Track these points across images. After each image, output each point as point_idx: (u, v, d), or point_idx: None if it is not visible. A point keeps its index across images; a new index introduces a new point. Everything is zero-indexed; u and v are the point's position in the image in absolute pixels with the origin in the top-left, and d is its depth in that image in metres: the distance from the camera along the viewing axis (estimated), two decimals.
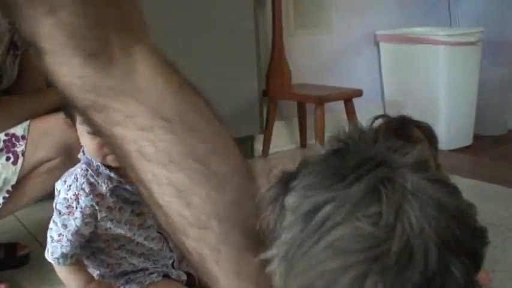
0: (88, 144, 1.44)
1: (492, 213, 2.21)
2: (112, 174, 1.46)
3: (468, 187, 2.53)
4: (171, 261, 1.60)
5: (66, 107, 1.49)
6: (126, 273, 1.56)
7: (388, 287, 0.62)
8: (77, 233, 1.45)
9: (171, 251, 1.59)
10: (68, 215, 1.45)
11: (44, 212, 1.55)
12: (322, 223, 0.64)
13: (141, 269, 1.57)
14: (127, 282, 1.55)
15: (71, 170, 1.51)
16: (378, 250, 0.62)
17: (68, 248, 1.46)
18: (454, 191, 0.67)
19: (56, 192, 1.50)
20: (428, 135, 1.47)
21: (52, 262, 1.49)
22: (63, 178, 1.49)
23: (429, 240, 0.62)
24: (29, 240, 2.10)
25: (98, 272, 1.57)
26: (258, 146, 3.25)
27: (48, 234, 1.49)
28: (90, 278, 1.52)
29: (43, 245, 2.03)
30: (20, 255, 1.95)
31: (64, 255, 1.46)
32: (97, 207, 1.44)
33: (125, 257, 1.54)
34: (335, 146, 0.70)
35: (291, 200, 0.69)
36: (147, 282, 1.54)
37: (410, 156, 0.67)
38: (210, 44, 2.88)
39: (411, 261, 0.62)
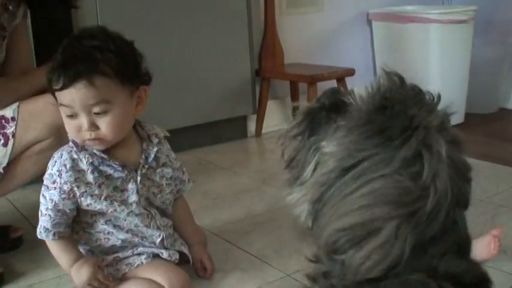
0: (66, 127, 1.49)
1: (482, 190, 2.22)
2: (95, 151, 1.48)
3: None
4: (159, 239, 1.61)
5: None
6: (115, 250, 1.57)
7: (413, 239, 0.73)
8: (56, 208, 1.48)
9: (158, 229, 1.61)
10: (54, 189, 1.48)
11: (36, 194, 1.56)
12: (365, 173, 0.74)
13: (130, 246, 1.58)
14: (116, 262, 1.56)
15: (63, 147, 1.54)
16: (414, 206, 0.72)
17: (48, 224, 1.49)
18: (463, 146, 0.80)
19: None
20: None
21: (38, 233, 1.53)
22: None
23: (451, 201, 0.75)
24: (22, 222, 2.11)
25: (88, 247, 1.58)
26: (251, 126, 3.25)
27: (39, 209, 1.53)
28: (78, 256, 1.53)
29: (36, 227, 2.04)
30: (13, 238, 1.96)
31: (45, 229, 1.50)
32: (75, 183, 1.46)
33: (112, 232, 1.56)
34: (377, 103, 0.79)
35: (333, 148, 0.79)
36: (135, 264, 1.55)
37: (435, 117, 0.78)
38: (203, 24, 2.87)
39: (436, 219, 0.74)
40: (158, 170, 1.61)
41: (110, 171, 1.51)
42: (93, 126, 1.46)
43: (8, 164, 1.74)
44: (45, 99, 1.70)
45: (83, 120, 1.45)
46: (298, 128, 0.86)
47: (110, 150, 1.52)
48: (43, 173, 1.55)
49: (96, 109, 1.45)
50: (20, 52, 1.89)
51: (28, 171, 1.79)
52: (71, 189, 1.48)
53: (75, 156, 1.49)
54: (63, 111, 1.47)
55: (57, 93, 1.46)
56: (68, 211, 1.50)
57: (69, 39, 1.50)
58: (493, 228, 1.67)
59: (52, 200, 1.48)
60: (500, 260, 1.65)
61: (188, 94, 2.88)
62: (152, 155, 1.58)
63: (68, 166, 1.47)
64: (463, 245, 0.80)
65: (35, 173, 1.78)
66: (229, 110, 3.06)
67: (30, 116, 1.73)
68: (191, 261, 1.69)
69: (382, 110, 0.77)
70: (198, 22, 2.86)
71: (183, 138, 2.94)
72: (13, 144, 1.72)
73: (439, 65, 3.22)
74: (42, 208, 1.51)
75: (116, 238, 1.57)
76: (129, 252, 1.58)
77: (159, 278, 1.53)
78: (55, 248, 1.54)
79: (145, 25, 2.66)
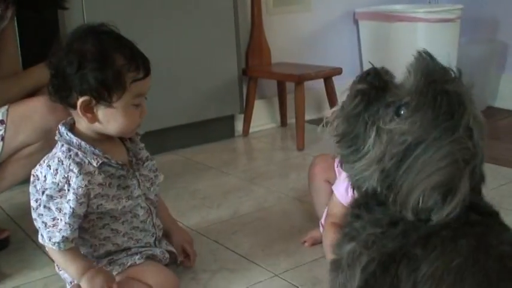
0: (130, 118, 1.49)
1: None
2: (97, 151, 1.47)
3: None
4: (153, 239, 1.61)
5: (56, 89, 1.48)
6: (109, 253, 1.56)
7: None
8: (73, 214, 1.44)
9: (153, 226, 1.61)
10: (61, 198, 1.44)
11: (23, 195, 1.54)
12: (439, 141, 0.91)
13: (124, 249, 1.57)
14: (109, 264, 1.55)
15: (50, 154, 1.50)
16: (473, 163, 0.93)
17: (68, 232, 1.44)
18: None
19: (33, 178, 1.49)
20: None
21: (51, 247, 1.46)
22: (43, 163, 1.48)
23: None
24: (9, 224, 2.09)
25: (81, 252, 1.56)
26: (239, 126, 3.24)
27: (40, 220, 1.47)
28: (89, 264, 1.50)
29: (22, 228, 2.02)
30: (0, 239, 1.94)
31: (65, 239, 1.44)
32: (89, 186, 1.44)
33: (109, 237, 1.54)
34: (427, 83, 0.94)
35: (403, 126, 0.93)
36: (128, 264, 1.54)
37: (462, 87, 0.97)
38: (189, 24, 2.86)
39: (478, 172, 0.96)
40: (145, 165, 1.62)
41: (112, 170, 1.50)
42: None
43: None
44: (35, 102, 1.68)
45: (143, 107, 1.53)
46: (357, 107, 0.98)
47: (108, 148, 1.51)
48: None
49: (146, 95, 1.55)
50: (8, 54, 1.88)
51: (16, 174, 1.78)
52: (86, 192, 1.45)
53: (77, 159, 1.46)
54: (136, 102, 1.50)
55: (136, 84, 1.48)
56: (82, 215, 1.48)
57: (106, 41, 1.48)
58: None
59: (70, 207, 1.44)
60: None
61: (175, 94, 2.86)
62: (141, 152, 1.61)
63: (76, 171, 1.44)
64: (480, 189, 1.01)
65: (23, 176, 1.76)
66: (217, 110, 3.05)
67: (19, 119, 1.72)
68: (178, 260, 1.70)
69: (434, 90, 0.93)
70: (184, 22, 2.84)
71: (170, 138, 2.93)
72: (2, 147, 1.71)
73: None
74: (46, 220, 1.45)
75: (112, 244, 1.55)
76: (123, 254, 1.57)
77: (149, 279, 1.52)
78: (65, 256, 1.49)
79: (131, 26, 2.64)
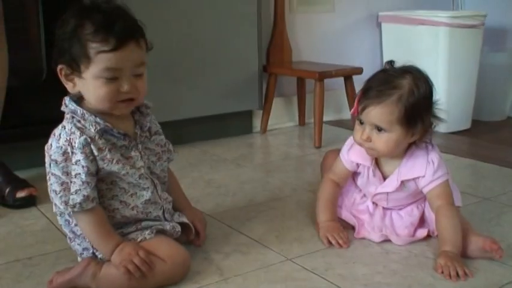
0: (100, 91, 1.43)
1: (488, 190, 2.20)
2: (98, 119, 1.46)
3: (466, 165, 2.52)
4: (161, 211, 1.60)
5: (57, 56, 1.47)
6: (119, 226, 1.55)
7: None
8: (88, 172, 1.43)
9: (160, 198, 1.60)
10: (66, 161, 1.44)
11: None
12: None
13: (134, 222, 1.56)
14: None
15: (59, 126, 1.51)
16: None
17: (88, 190, 1.43)
18: None
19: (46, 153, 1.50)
20: None
21: (75, 210, 1.44)
22: (52, 134, 1.49)
23: None
24: None
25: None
26: (257, 122, 3.24)
27: (51, 189, 1.47)
28: (120, 240, 1.50)
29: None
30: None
31: (86, 198, 1.43)
32: (91, 146, 1.44)
33: (118, 209, 1.53)
34: None
35: None
36: (139, 239, 1.53)
37: None
38: (212, 18, 2.87)
39: None
40: (153, 138, 1.61)
41: (113, 140, 1.50)
42: (134, 87, 1.44)
43: None
44: None
45: (124, 82, 1.43)
46: None
47: (112, 121, 1.50)
48: None
49: (139, 70, 1.45)
50: None
51: None
52: (91, 150, 1.44)
53: (79, 125, 1.46)
54: (106, 75, 1.42)
55: (102, 56, 1.40)
56: (95, 172, 1.46)
57: (85, 6, 1.46)
58: (490, 236, 1.67)
59: (82, 166, 1.43)
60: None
61: (194, 86, 2.87)
62: (147, 125, 1.58)
63: (77, 133, 1.44)
64: None
65: None
66: (235, 104, 3.05)
67: None
68: (193, 231, 1.71)
69: None
70: (208, 16, 2.85)
71: (187, 130, 2.93)
72: None
73: (447, 68, 3.20)
74: (55, 187, 1.46)
75: (121, 215, 1.54)
76: (133, 228, 1.55)
77: (160, 252, 1.50)
78: (97, 226, 1.48)
79: (155, 15, 2.66)
